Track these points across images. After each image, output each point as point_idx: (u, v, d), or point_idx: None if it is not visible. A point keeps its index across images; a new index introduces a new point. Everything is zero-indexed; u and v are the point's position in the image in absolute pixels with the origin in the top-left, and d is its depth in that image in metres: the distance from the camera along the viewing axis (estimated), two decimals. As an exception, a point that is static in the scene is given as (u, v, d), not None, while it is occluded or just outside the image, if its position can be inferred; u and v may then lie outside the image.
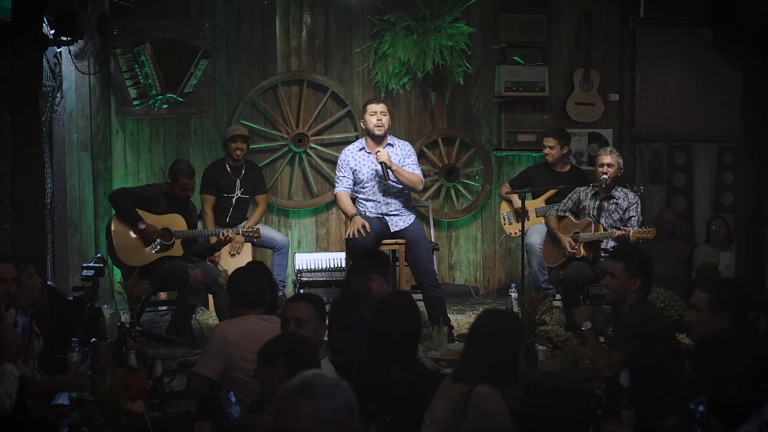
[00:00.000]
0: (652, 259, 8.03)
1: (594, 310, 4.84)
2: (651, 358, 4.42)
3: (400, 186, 6.81)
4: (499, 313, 3.69)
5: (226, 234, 6.73)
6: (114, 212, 6.76)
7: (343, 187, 6.85)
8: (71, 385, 4.26)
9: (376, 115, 6.73)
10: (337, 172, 6.94)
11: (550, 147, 7.71)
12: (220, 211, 7.62)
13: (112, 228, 6.62)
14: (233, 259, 7.51)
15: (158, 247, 6.60)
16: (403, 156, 6.81)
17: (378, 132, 6.73)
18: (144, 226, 6.53)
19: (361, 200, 6.88)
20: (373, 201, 6.82)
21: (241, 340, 4.19)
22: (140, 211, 6.62)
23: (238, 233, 6.99)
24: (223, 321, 4.83)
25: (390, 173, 6.64)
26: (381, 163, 6.63)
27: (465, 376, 3.48)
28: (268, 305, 4.51)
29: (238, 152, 7.61)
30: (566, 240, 6.86)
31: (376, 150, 6.68)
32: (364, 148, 6.86)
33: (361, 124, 6.90)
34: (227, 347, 4.18)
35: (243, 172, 7.69)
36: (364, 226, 6.60)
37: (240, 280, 4.50)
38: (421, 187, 6.92)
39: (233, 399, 3.50)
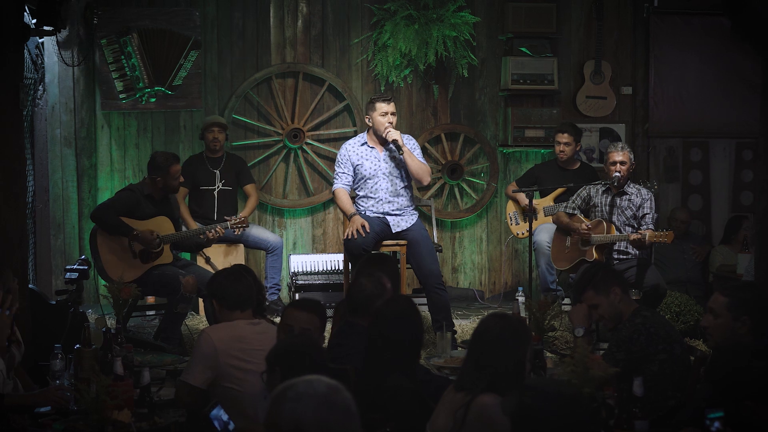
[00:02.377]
0: (667, 261, 8.18)
1: (586, 313, 4.81)
2: (652, 368, 4.41)
3: (404, 184, 6.81)
4: (503, 317, 3.68)
5: (216, 232, 6.79)
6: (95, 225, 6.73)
7: (342, 184, 6.85)
8: (50, 401, 4.24)
9: (387, 117, 6.72)
10: (336, 168, 6.93)
11: (566, 144, 7.71)
12: (206, 207, 7.63)
13: (98, 241, 6.60)
14: (225, 260, 7.51)
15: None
16: (409, 149, 6.80)
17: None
18: (139, 235, 6.52)
19: (361, 198, 6.88)
20: (374, 199, 6.82)
21: (229, 347, 4.20)
22: (125, 220, 6.61)
23: (226, 227, 7.01)
24: (210, 326, 4.83)
25: (400, 156, 6.65)
26: (393, 141, 6.64)
27: (468, 384, 3.48)
28: (256, 306, 4.52)
29: (216, 143, 7.63)
30: (581, 224, 6.86)
31: (386, 129, 6.66)
32: (366, 143, 6.86)
33: (366, 120, 6.88)
34: (215, 354, 4.18)
35: (222, 163, 7.70)
36: (363, 226, 6.59)
37: (222, 282, 4.51)
38: (428, 179, 6.88)
39: (222, 414, 3.49)
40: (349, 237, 6.60)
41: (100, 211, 6.71)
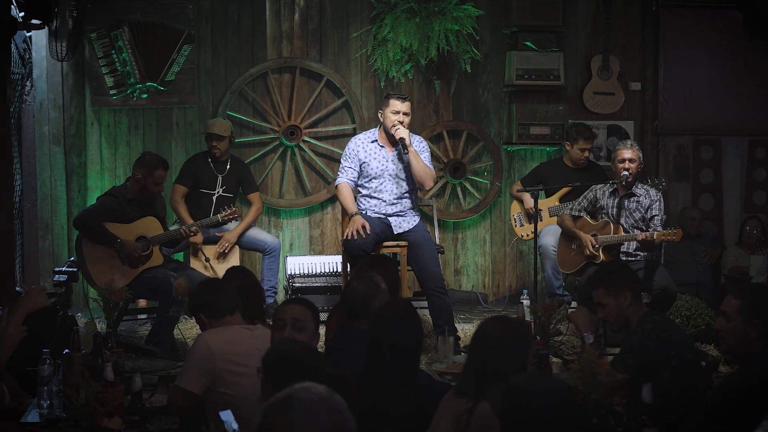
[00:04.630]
0: (677, 263, 8.18)
1: (590, 315, 4.82)
2: (663, 375, 4.41)
3: (409, 188, 6.81)
4: (503, 320, 3.68)
5: (187, 230, 6.88)
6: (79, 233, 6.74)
7: (346, 179, 6.83)
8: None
9: (399, 115, 6.69)
10: (342, 161, 6.91)
11: (589, 150, 7.77)
12: (203, 211, 7.62)
13: (84, 249, 6.60)
14: (221, 264, 7.51)
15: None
16: (417, 151, 6.79)
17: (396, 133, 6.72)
18: (122, 246, 6.54)
19: (363, 196, 6.87)
20: (377, 199, 6.81)
21: (225, 351, 4.21)
22: (110, 225, 6.61)
23: (217, 220, 7.14)
24: (206, 330, 4.85)
25: (405, 155, 6.66)
26: (400, 139, 6.64)
27: (469, 390, 3.48)
28: (254, 308, 4.53)
29: (216, 150, 7.59)
30: (588, 238, 6.84)
31: (396, 125, 6.66)
32: (377, 140, 6.85)
33: (379, 114, 6.88)
34: (211, 358, 4.19)
35: (227, 168, 7.68)
36: (363, 227, 6.59)
37: (198, 292, 4.58)
38: (431, 184, 6.86)
39: (233, 421, 3.50)
40: (349, 237, 6.60)
41: (83, 217, 6.70)
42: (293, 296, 7.43)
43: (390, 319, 4.03)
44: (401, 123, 6.67)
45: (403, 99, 6.76)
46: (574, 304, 7.34)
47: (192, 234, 6.96)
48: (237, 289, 4.73)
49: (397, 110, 6.70)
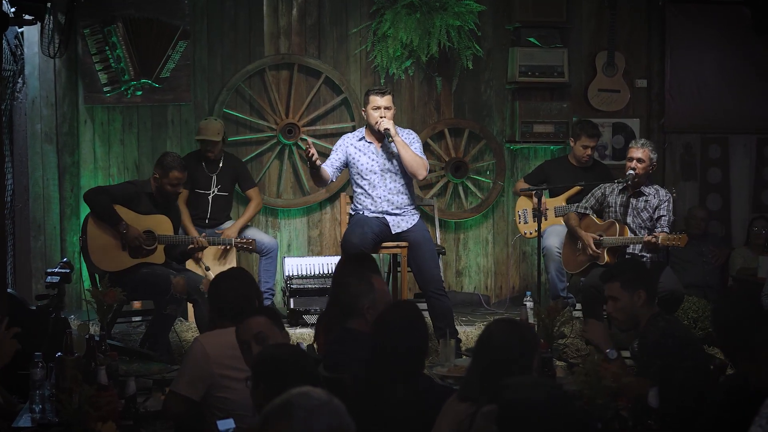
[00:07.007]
0: (684, 264, 8.18)
1: (606, 329, 4.83)
2: (678, 376, 4.42)
3: (404, 182, 6.82)
4: (508, 323, 3.69)
5: (200, 242, 6.88)
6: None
7: (325, 165, 6.83)
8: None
9: (380, 111, 6.73)
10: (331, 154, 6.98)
11: (593, 147, 7.75)
12: (199, 211, 7.63)
13: (89, 225, 6.64)
14: (218, 264, 7.51)
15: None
16: (407, 143, 6.81)
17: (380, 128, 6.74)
18: (126, 230, 6.56)
19: (358, 196, 6.89)
20: (372, 197, 6.82)
21: (223, 356, 4.19)
22: (121, 209, 6.64)
23: (230, 243, 7.13)
24: (202, 333, 4.85)
25: (392, 145, 6.69)
26: (385, 129, 6.66)
27: (472, 394, 3.48)
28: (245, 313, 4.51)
29: (210, 154, 7.59)
30: (588, 237, 6.85)
31: (378, 120, 6.68)
32: (364, 137, 6.88)
33: (362, 113, 6.92)
34: (208, 363, 4.18)
35: (219, 167, 7.67)
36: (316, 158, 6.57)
37: (223, 287, 4.49)
38: (424, 173, 6.85)
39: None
40: (309, 155, 6.54)
41: (94, 191, 6.77)
42: (288, 300, 7.47)
43: (395, 322, 4.02)
44: (383, 118, 6.72)
45: (383, 93, 6.80)
46: (578, 306, 7.35)
47: (201, 248, 6.98)
48: (235, 291, 4.71)
49: (378, 105, 6.74)
